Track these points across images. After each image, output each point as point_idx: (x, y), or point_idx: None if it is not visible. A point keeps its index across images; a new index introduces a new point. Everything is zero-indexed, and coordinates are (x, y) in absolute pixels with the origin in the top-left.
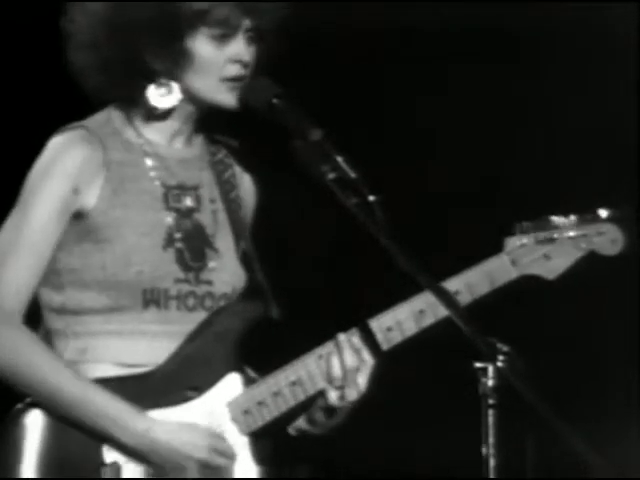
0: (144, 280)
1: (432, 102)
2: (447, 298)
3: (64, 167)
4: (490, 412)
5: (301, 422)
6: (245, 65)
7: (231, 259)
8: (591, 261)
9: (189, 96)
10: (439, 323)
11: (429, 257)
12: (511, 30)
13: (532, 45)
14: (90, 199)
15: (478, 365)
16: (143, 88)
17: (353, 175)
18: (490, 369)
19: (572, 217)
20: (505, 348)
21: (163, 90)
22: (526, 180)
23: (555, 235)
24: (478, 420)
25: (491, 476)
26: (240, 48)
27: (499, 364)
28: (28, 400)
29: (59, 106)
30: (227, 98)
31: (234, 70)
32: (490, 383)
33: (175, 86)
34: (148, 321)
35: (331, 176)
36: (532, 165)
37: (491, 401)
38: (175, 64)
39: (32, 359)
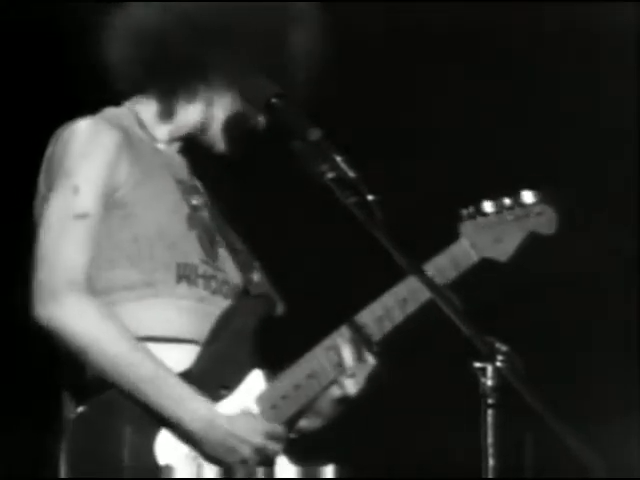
0: (178, 254)
1: (431, 101)
2: (448, 298)
3: (103, 146)
4: (489, 412)
5: (302, 422)
6: None
7: (232, 258)
8: (591, 260)
9: (207, 120)
10: (438, 323)
11: (428, 255)
12: (511, 30)
13: (531, 45)
14: (121, 176)
15: (477, 365)
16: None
17: (352, 174)
18: (489, 369)
19: (506, 200)
20: (504, 348)
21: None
22: (526, 178)
23: (499, 218)
24: (477, 420)
25: (490, 476)
26: None
27: (498, 364)
28: (80, 408)
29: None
30: (223, 145)
31: None
32: (489, 383)
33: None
34: (181, 296)
35: (330, 175)
36: (532, 165)
37: (490, 401)
38: (232, 85)
39: (111, 332)
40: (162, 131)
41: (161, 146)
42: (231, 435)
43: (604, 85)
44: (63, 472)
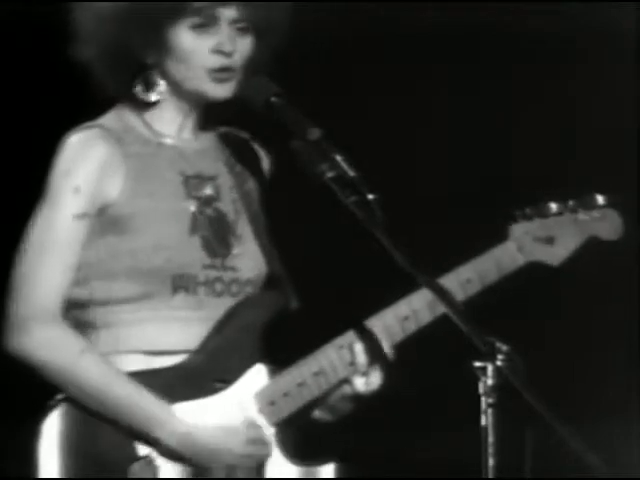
0: (173, 266)
1: (430, 102)
2: (446, 297)
3: (87, 165)
4: (489, 412)
5: (315, 413)
6: (228, 55)
7: (253, 245)
8: (592, 260)
9: (176, 88)
10: (438, 322)
11: (428, 256)
12: (510, 30)
13: (531, 45)
14: (113, 192)
15: (477, 364)
16: (134, 82)
17: (352, 174)
18: (489, 368)
19: (571, 202)
20: (504, 347)
21: (149, 84)
22: (526, 179)
23: (558, 221)
24: (477, 420)
25: (490, 476)
26: (221, 38)
27: (499, 363)
28: (59, 396)
29: (65, 108)
30: (213, 89)
31: (217, 61)
32: (489, 382)
33: (161, 82)
34: (177, 307)
35: (330, 175)
36: (531, 165)
37: (490, 400)
38: (159, 55)
39: (77, 359)
40: (165, 122)
41: (169, 140)
42: (215, 451)
43: (604, 85)
44: (41, 458)
